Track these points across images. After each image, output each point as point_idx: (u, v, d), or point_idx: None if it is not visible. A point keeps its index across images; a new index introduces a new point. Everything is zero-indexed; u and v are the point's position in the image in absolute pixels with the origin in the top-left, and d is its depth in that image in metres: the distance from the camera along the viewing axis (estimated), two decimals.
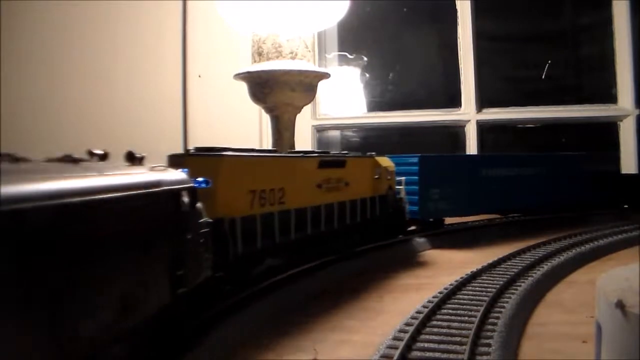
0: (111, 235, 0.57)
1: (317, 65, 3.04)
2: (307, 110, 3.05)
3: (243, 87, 2.03)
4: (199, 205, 0.85)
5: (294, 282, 1.32)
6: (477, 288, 1.24)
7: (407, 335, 0.91)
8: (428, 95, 3.53)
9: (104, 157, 0.66)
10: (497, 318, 1.02)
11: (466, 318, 1.02)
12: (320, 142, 3.54)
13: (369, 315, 1.16)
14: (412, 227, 2.03)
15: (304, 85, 1.95)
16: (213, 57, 3.28)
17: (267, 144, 2.49)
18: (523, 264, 1.48)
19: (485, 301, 1.11)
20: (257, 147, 1.22)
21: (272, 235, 1.17)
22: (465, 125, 3.44)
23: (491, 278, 1.34)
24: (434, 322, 1.01)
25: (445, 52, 3.51)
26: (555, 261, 1.56)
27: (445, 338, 0.93)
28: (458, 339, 0.92)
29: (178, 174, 0.80)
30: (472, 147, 3.40)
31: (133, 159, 0.72)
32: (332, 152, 1.55)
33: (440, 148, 3.46)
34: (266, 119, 2.27)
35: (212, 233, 0.89)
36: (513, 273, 1.37)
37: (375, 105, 3.57)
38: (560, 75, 3.50)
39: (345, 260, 1.56)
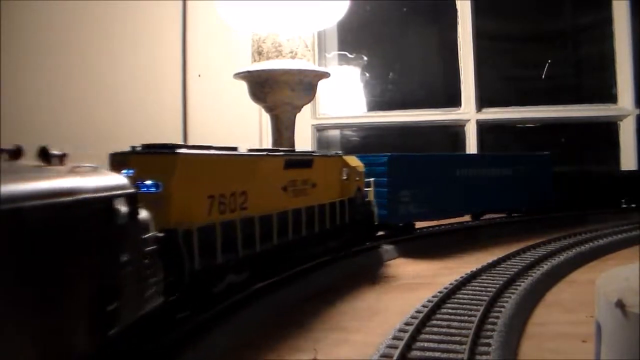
0: None
1: (317, 64, 3.04)
2: (307, 109, 3.05)
3: (243, 86, 2.03)
4: (143, 215, 0.70)
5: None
6: (476, 288, 1.25)
7: (407, 335, 0.91)
8: (428, 94, 3.52)
9: (16, 154, 0.53)
10: (497, 318, 1.02)
11: (466, 318, 1.02)
12: (320, 141, 3.54)
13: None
14: (381, 233, 1.91)
15: (304, 85, 1.95)
16: (213, 56, 3.28)
17: (267, 144, 2.48)
18: (523, 264, 1.47)
19: (485, 301, 1.11)
20: (221, 145, 1.06)
21: (234, 247, 1.01)
22: (465, 125, 3.44)
23: (491, 278, 1.34)
24: (434, 322, 1.01)
25: (445, 52, 3.50)
26: (555, 261, 1.56)
27: (445, 338, 0.93)
28: (458, 338, 0.92)
29: (111, 177, 0.64)
30: (472, 146, 3.40)
31: (47, 157, 0.56)
32: (297, 150, 1.40)
33: (440, 148, 3.46)
34: (266, 118, 2.26)
35: (163, 248, 0.75)
36: (513, 273, 1.37)
37: (375, 104, 3.57)
38: (560, 75, 3.50)
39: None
